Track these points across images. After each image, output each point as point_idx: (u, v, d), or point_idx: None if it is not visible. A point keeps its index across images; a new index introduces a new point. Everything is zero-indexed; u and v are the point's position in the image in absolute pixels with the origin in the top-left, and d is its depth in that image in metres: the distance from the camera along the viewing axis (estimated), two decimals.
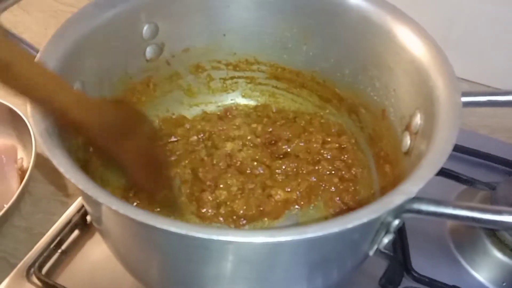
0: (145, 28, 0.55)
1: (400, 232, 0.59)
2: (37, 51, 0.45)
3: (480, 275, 0.57)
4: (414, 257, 0.57)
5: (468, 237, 0.60)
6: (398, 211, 0.37)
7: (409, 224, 0.60)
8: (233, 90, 0.67)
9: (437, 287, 0.55)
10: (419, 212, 0.36)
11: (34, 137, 0.63)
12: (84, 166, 0.45)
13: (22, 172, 0.65)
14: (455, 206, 0.35)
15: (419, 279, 0.56)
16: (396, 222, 0.38)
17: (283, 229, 0.31)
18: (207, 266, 0.37)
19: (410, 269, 0.56)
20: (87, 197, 0.40)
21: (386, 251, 0.57)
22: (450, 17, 0.78)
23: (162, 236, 0.34)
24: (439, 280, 0.55)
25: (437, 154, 0.37)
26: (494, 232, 0.58)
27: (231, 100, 0.67)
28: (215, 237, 0.30)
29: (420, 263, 0.57)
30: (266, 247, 0.34)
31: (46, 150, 0.35)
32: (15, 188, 0.62)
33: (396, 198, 0.34)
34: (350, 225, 0.32)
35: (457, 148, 0.69)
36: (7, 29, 0.46)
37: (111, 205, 0.32)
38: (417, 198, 0.36)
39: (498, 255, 0.57)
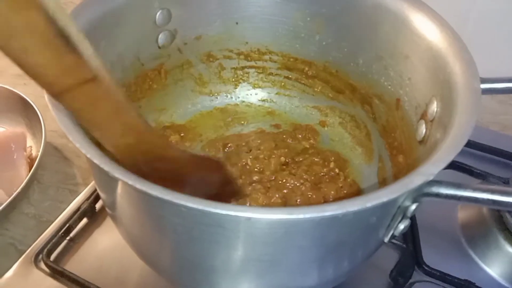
0: (158, 13, 0.54)
1: (411, 226, 0.59)
2: None
3: (492, 270, 0.57)
4: (425, 251, 0.57)
5: (479, 231, 0.60)
6: (417, 194, 0.36)
7: (420, 219, 0.60)
8: (244, 80, 0.67)
9: (448, 281, 0.55)
10: (438, 195, 0.35)
11: (44, 126, 0.63)
12: None
13: (31, 160, 0.65)
14: (475, 189, 0.35)
15: (431, 272, 0.55)
16: (413, 206, 0.38)
17: (302, 207, 0.31)
18: (221, 246, 0.36)
19: (421, 262, 0.56)
20: (101, 176, 0.40)
21: (398, 242, 0.57)
22: (463, 14, 0.78)
23: (177, 213, 0.33)
24: (450, 274, 0.55)
25: (456, 138, 0.37)
26: (506, 226, 0.57)
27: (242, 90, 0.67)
28: (232, 213, 0.30)
29: (431, 257, 0.56)
30: (283, 226, 0.34)
31: (62, 127, 0.35)
32: (24, 176, 0.61)
33: (416, 178, 0.33)
34: (369, 204, 0.31)
35: (470, 144, 0.69)
36: None
37: (128, 180, 0.31)
38: (435, 181, 0.36)
39: (510, 249, 0.57)
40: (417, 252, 0.57)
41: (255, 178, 0.56)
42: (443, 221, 0.62)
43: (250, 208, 0.30)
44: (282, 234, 0.34)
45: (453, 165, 0.64)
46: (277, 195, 0.53)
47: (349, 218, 0.34)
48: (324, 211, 0.30)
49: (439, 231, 0.61)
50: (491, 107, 0.80)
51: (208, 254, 0.38)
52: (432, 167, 0.34)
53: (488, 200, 0.34)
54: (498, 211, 0.58)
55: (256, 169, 0.57)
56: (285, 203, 0.54)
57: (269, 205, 0.52)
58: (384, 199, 0.32)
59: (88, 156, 0.33)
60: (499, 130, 0.77)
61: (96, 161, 0.32)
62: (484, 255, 0.58)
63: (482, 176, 0.63)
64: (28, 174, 0.60)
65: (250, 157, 0.58)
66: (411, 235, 0.58)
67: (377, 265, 0.55)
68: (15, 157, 0.64)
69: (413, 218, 0.59)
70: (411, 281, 0.55)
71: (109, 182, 0.38)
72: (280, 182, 0.56)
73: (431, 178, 0.34)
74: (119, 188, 0.37)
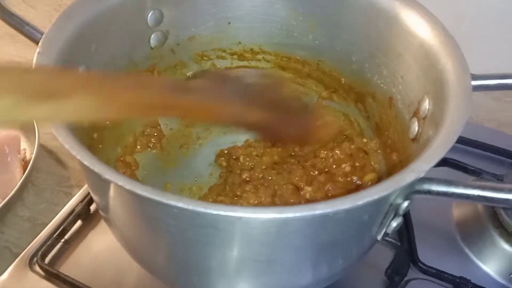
0: (150, 14, 0.54)
1: (406, 224, 0.59)
2: (42, 34, 0.44)
3: (487, 267, 0.57)
4: (420, 249, 0.57)
5: (475, 228, 0.60)
6: (408, 192, 0.36)
7: (415, 216, 0.60)
8: None
9: (444, 279, 0.55)
10: (429, 192, 0.36)
11: (38, 128, 0.63)
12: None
13: (25, 163, 0.65)
14: (466, 186, 0.35)
15: (426, 270, 0.55)
16: (405, 204, 0.38)
17: (293, 206, 0.31)
18: (215, 247, 0.36)
19: (416, 260, 0.56)
20: (93, 178, 0.40)
21: (393, 240, 0.57)
22: (459, 13, 0.78)
23: (169, 214, 0.33)
24: (446, 271, 0.55)
25: (447, 135, 0.37)
26: (501, 223, 0.57)
27: None
28: (223, 213, 0.30)
29: (427, 255, 0.57)
30: (275, 225, 0.34)
31: (53, 129, 0.34)
32: (18, 179, 0.61)
33: (407, 176, 0.33)
34: (360, 202, 0.31)
35: (465, 141, 0.69)
36: (12, 12, 0.46)
37: (118, 181, 0.31)
38: (427, 178, 0.36)
39: (506, 246, 0.57)
40: (412, 250, 0.57)
41: (245, 176, 0.56)
42: (438, 219, 0.62)
43: (241, 208, 0.30)
44: (275, 233, 0.34)
45: (448, 162, 0.64)
46: (267, 195, 0.53)
47: (341, 216, 0.34)
48: (315, 210, 0.30)
49: (434, 228, 0.61)
50: (486, 104, 0.80)
51: (202, 255, 0.38)
52: (423, 164, 0.34)
53: (480, 196, 0.34)
54: (493, 208, 0.58)
55: (246, 167, 0.57)
56: (277, 202, 0.54)
57: (260, 204, 0.52)
58: (375, 196, 0.32)
59: (79, 157, 0.33)
60: (494, 127, 0.77)
61: (86, 163, 0.32)
62: (479, 252, 0.58)
63: (477, 173, 0.63)
64: (22, 177, 0.60)
65: (242, 153, 0.58)
66: (406, 233, 0.58)
67: (373, 263, 0.55)
68: (9, 159, 0.64)
69: (407, 216, 0.59)
70: (406, 278, 0.55)
71: (101, 184, 0.38)
72: (271, 180, 0.56)
73: (422, 175, 0.34)
74: (111, 190, 0.37)
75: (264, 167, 0.57)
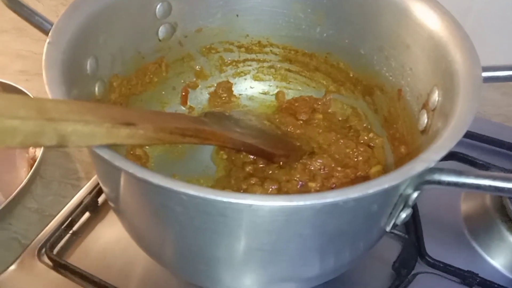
0: (158, 6, 0.54)
1: (414, 217, 0.59)
2: (51, 24, 0.44)
3: (495, 261, 0.57)
4: (428, 243, 0.57)
5: (482, 223, 0.59)
6: (418, 182, 0.36)
7: (422, 210, 0.60)
8: (245, 73, 0.67)
9: (451, 273, 0.55)
10: (439, 182, 0.35)
11: None
12: None
13: (33, 161, 0.65)
14: (477, 176, 0.34)
15: (434, 264, 0.55)
16: (415, 195, 0.37)
17: (303, 194, 0.31)
18: (223, 236, 0.36)
19: (424, 254, 0.56)
20: (103, 167, 0.40)
21: (400, 234, 0.57)
22: (465, 6, 0.78)
23: (179, 201, 0.33)
24: (453, 265, 0.55)
25: (458, 125, 0.37)
26: (509, 217, 0.57)
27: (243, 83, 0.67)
28: (233, 200, 0.30)
29: (434, 249, 0.56)
30: (284, 213, 0.33)
31: None
32: (23, 177, 0.62)
33: (417, 165, 0.33)
34: (370, 191, 0.31)
35: (472, 136, 0.68)
36: (22, 3, 0.46)
37: (129, 169, 0.31)
38: (437, 169, 0.35)
39: None
40: (419, 243, 0.57)
41: (249, 168, 0.56)
42: (446, 212, 0.62)
43: (251, 196, 0.30)
44: (283, 222, 0.34)
45: (456, 157, 0.63)
46: (273, 187, 0.53)
47: (350, 205, 0.34)
48: (325, 198, 0.30)
49: (442, 222, 0.61)
50: (495, 98, 0.80)
51: (211, 244, 0.38)
52: (433, 154, 0.34)
53: (490, 186, 0.34)
54: (501, 202, 0.58)
55: (248, 159, 0.57)
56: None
57: None
58: (386, 185, 0.32)
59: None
60: (503, 122, 0.77)
61: (98, 151, 0.32)
62: (487, 246, 0.58)
63: (485, 167, 0.62)
64: (30, 170, 0.60)
65: None
66: (414, 226, 0.58)
67: (380, 257, 0.55)
68: (16, 153, 0.65)
69: (415, 209, 0.59)
70: (413, 272, 0.55)
71: (111, 172, 0.38)
72: (273, 174, 0.56)
73: (432, 165, 0.34)
74: (121, 179, 0.37)
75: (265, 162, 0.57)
